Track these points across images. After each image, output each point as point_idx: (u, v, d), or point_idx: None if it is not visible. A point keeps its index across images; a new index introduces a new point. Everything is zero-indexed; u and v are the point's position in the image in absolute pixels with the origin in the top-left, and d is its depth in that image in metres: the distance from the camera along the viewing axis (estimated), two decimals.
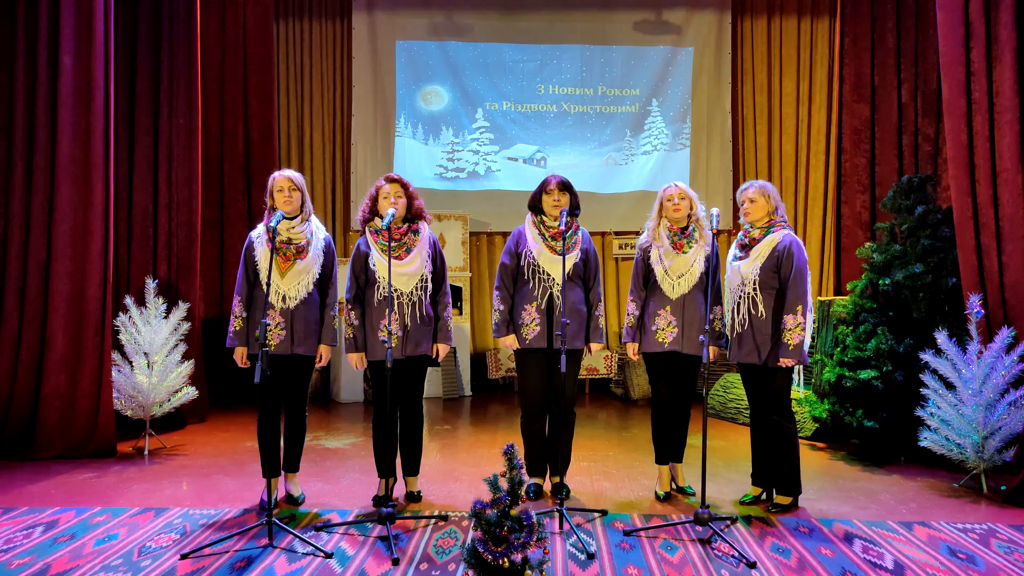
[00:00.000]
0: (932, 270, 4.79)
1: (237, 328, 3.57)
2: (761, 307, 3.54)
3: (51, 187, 4.62)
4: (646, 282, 3.78)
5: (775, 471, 3.67)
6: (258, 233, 3.61)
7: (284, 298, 3.53)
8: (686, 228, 3.71)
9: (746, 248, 3.62)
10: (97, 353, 4.60)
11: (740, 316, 3.61)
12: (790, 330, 3.45)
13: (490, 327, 7.65)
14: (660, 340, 3.68)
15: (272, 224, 3.32)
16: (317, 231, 3.66)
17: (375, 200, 3.64)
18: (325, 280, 3.68)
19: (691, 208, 3.72)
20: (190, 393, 5.00)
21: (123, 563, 2.93)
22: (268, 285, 3.20)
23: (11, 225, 4.63)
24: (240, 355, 3.60)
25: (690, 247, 3.69)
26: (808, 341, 3.53)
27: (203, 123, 5.98)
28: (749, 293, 3.57)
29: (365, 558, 3.00)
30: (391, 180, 3.64)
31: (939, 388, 4.11)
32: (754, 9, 7.66)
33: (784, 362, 3.47)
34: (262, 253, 3.55)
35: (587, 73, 7.70)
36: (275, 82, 6.94)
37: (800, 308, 3.45)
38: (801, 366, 3.61)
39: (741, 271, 3.59)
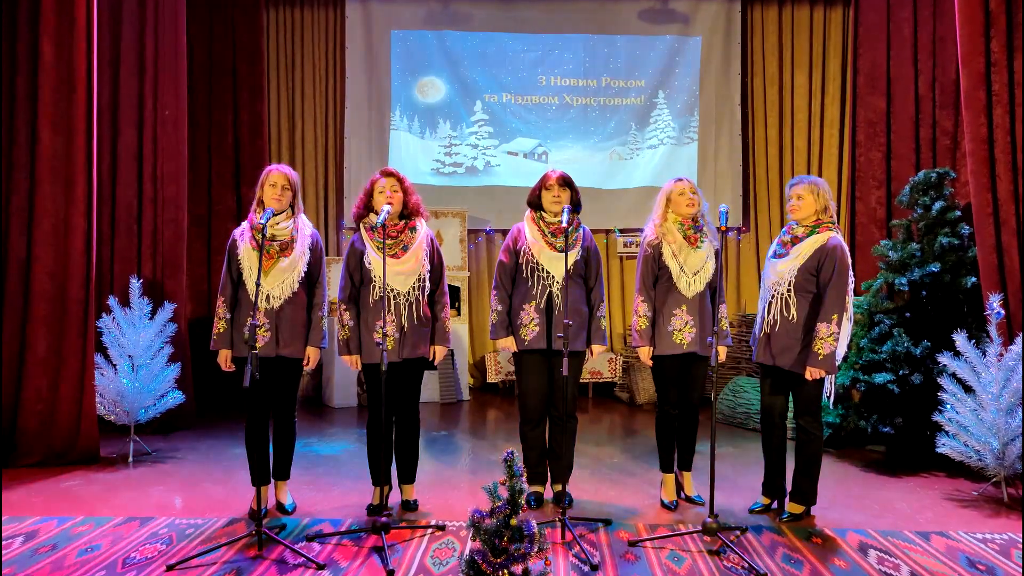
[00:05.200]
0: (950, 269, 4.79)
1: (221, 330, 3.57)
2: (793, 310, 3.51)
3: (31, 182, 4.61)
4: (655, 281, 3.76)
5: (793, 477, 3.66)
6: (242, 231, 3.60)
7: (268, 298, 3.52)
8: (695, 223, 3.72)
9: (787, 246, 3.59)
10: (80, 355, 4.60)
11: (771, 316, 3.58)
12: (822, 339, 3.40)
13: (488, 328, 7.68)
14: (678, 341, 3.66)
15: (262, 221, 3.31)
16: (303, 227, 3.65)
17: (370, 195, 3.63)
18: (312, 279, 3.66)
19: (699, 203, 3.73)
20: (176, 397, 4.99)
21: (107, 574, 2.93)
22: (258, 285, 3.19)
23: None
24: (224, 358, 3.59)
25: (702, 242, 3.69)
26: (844, 349, 3.52)
27: (190, 116, 5.97)
28: (783, 294, 3.54)
29: (359, 570, 3.00)
30: (387, 174, 3.63)
31: (957, 392, 4.10)
32: None
33: (811, 372, 3.44)
34: (246, 251, 3.54)
35: (590, 64, 7.69)
36: (265, 73, 6.94)
37: (836, 317, 3.40)
38: (832, 375, 3.56)
39: (778, 269, 3.57)
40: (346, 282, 3.63)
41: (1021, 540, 3.35)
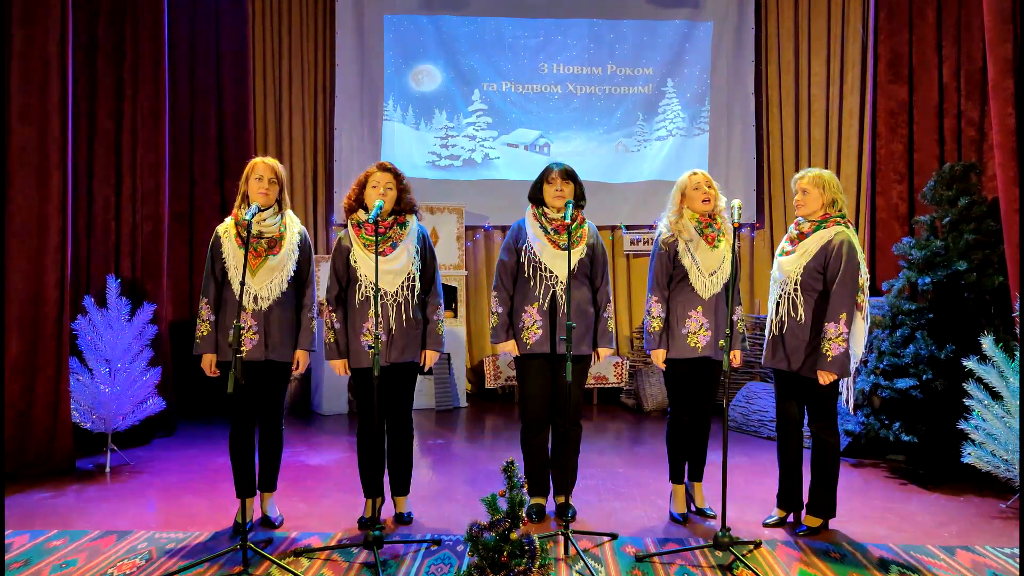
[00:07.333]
0: (976, 268, 4.79)
1: (204, 333, 3.56)
2: (800, 310, 3.52)
3: (2, 177, 4.61)
4: (669, 280, 3.75)
5: (810, 488, 3.65)
6: (225, 227, 3.59)
7: (256, 298, 3.51)
8: (713, 220, 3.71)
9: (794, 243, 3.59)
10: (54, 360, 4.60)
11: (778, 317, 3.60)
12: (830, 340, 3.40)
13: (488, 331, 7.68)
14: (692, 345, 3.66)
15: (248, 217, 3.30)
16: (291, 223, 3.65)
17: (362, 187, 3.63)
18: (301, 278, 3.66)
19: (717, 198, 3.72)
20: (157, 404, 4.99)
21: None
22: (243, 284, 3.19)
23: None
24: (208, 363, 3.58)
25: (720, 241, 3.68)
26: (861, 351, 3.51)
27: (171, 106, 5.97)
28: (789, 293, 3.55)
29: None
30: (384, 169, 3.62)
31: (984, 398, 4.10)
32: None
33: (823, 375, 3.44)
34: (231, 249, 3.53)
35: (595, 50, 7.69)
36: (250, 61, 6.94)
37: (844, 316, 3.40)
38: (847, 378, 3.55)
39: (784, 267, 3.58)
40: (332, 282, 3.63)
41: (1020, 546, 3.35)
